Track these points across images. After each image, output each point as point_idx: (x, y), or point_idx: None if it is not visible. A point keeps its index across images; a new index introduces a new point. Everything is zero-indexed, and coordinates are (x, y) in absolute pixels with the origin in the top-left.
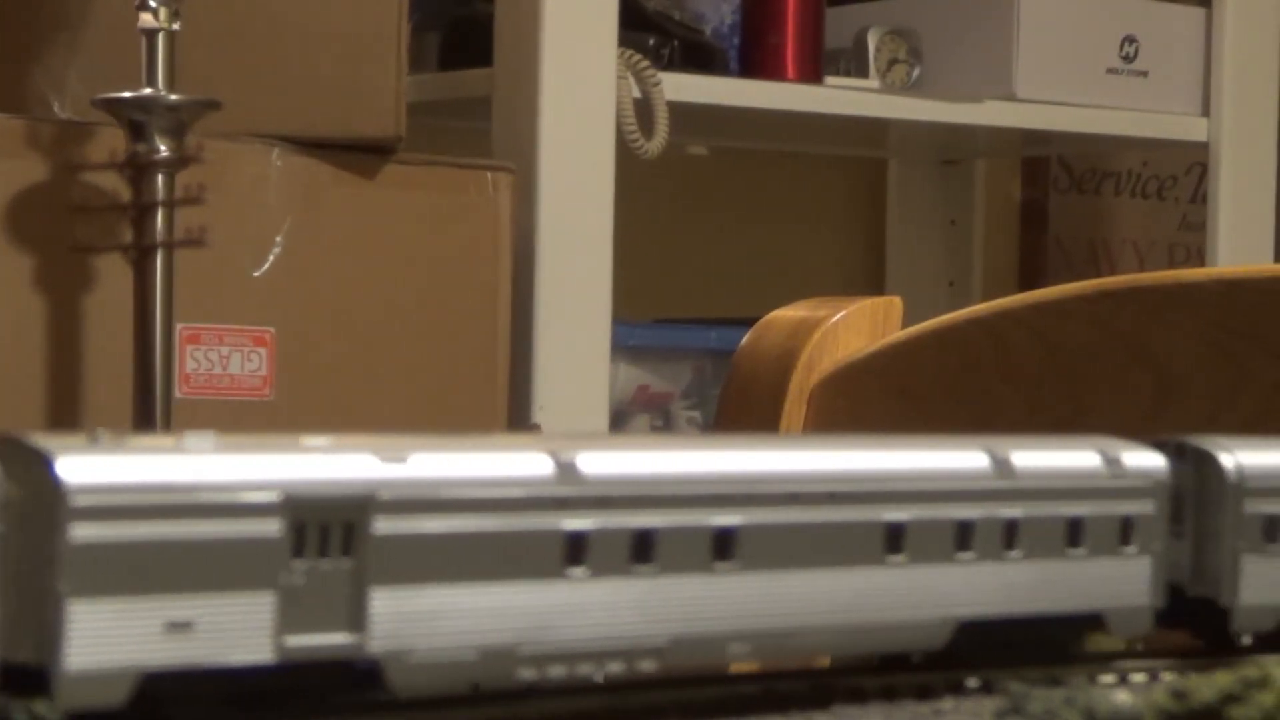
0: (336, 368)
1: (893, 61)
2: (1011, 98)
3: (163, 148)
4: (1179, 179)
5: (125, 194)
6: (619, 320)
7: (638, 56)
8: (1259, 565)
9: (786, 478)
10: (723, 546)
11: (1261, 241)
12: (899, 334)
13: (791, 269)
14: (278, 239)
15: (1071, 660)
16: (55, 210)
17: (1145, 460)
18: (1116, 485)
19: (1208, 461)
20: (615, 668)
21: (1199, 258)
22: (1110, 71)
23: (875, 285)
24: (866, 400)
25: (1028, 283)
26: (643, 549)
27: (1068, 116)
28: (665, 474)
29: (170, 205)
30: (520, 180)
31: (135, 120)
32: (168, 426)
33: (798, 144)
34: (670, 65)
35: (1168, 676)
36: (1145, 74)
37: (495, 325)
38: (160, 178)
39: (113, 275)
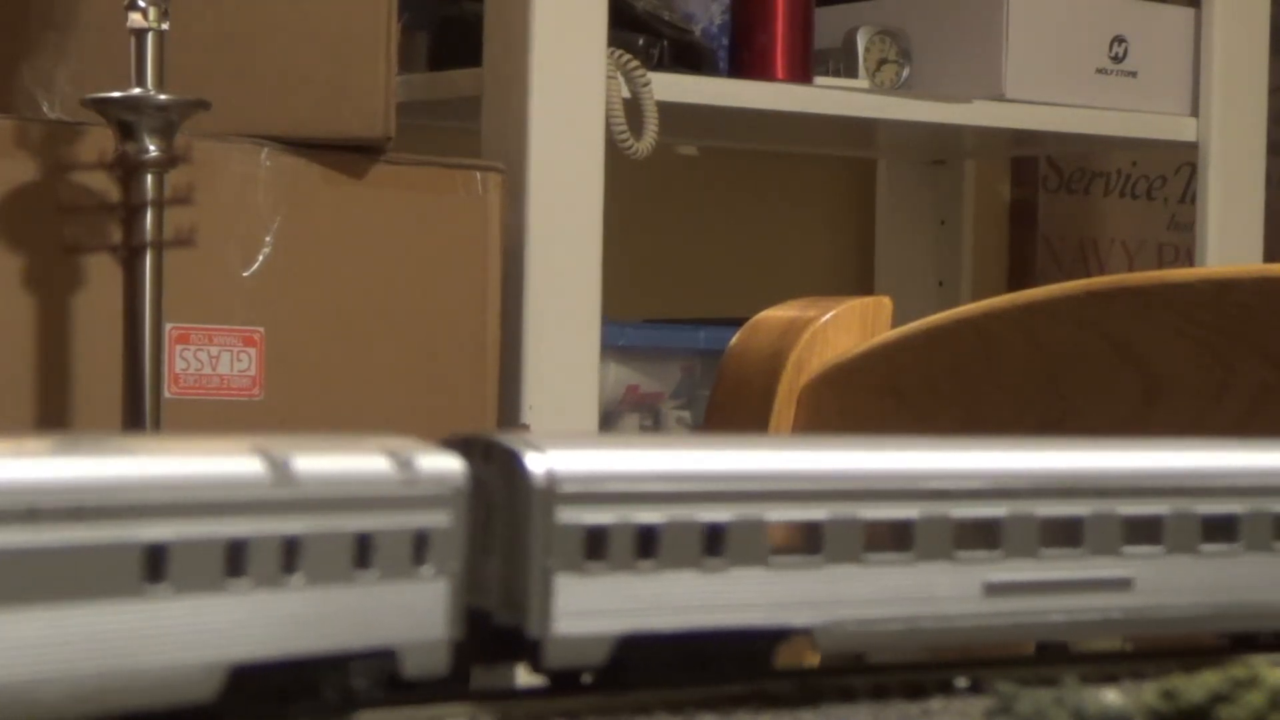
0: (326, 368)
1: (882, 61)
2: (1001, 98)
3: (152, 148)
4: (1168, 179)
5: (114, 194)
6: (608, 320)
7: (627, 56)
8: (578, 588)
9: (16, 488)
10: None
11: (1250, 241)
12: (888, 334)
13: (781, 269)
14: (267, 239)
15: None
16: (44, 210)
17: (440, 463)
18: (408, 494)
19: (514, 463)
20: None
21: (1188, 258)
22: (1099, 71)
23: (865, 285)
24: (856, 400)
25: (1017, 283)
26: None
27: (1057, 116)
28: None
29: (159, 205)
30: (510, 180)
31: (124, 120)
32: (157, 427)
33: (787, 144)
34: (660, 65)
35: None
36: (1134, 74)
37: (485, 325)
38: (149, 178)
39: (102, 275)
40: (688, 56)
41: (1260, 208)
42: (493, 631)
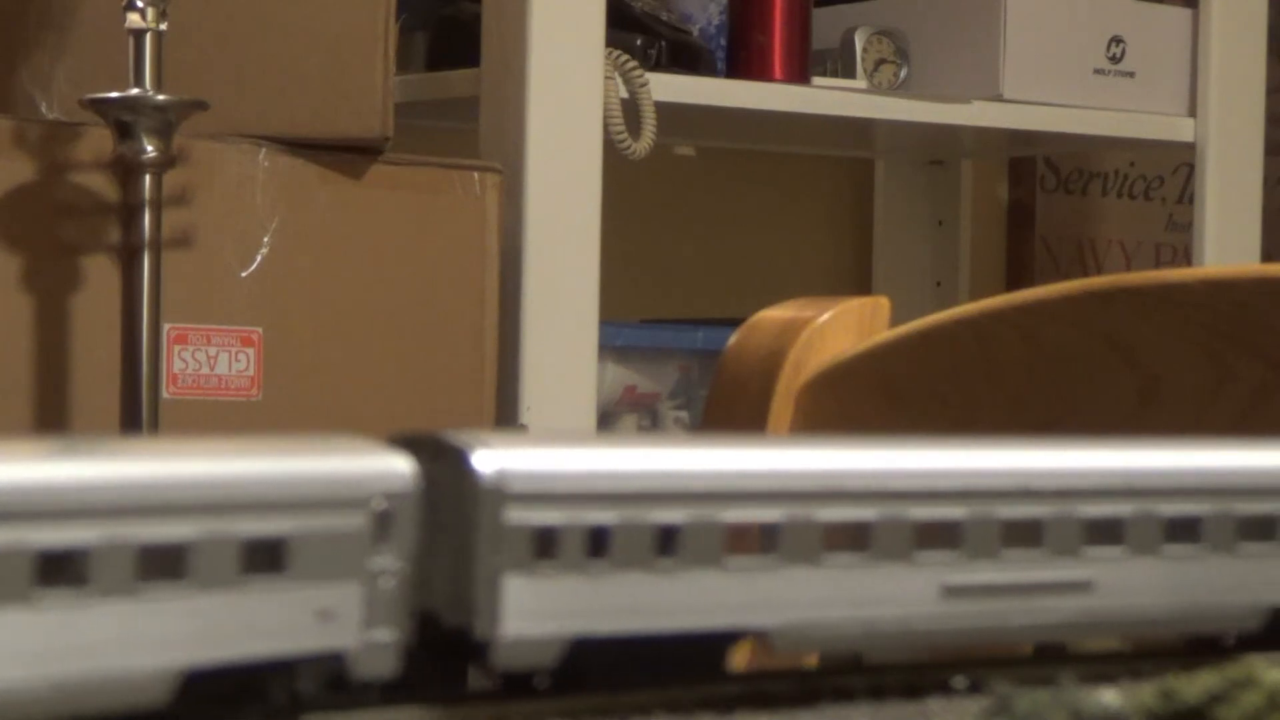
0: (324, 368)
1: (880, 62)
2: (998, 98)
3: (150, 148)
4: (1166, 179)
5: (112, 194)
6: (606, 320)
7: (625, 57)
8: None
9: None
10: None
11: (1248, 242)
12: (886, 334)
13: (778, 269)
14: (265, 239)
15: None
16: (42, 211)
17: None
18: None
19: None
20: None
21: (1186, 258)
22: (1097, 72)
23: (862, 286)
24: (854, 401)
25: (1014, 283)
26: None
27: (1054, 117)
28: None
29: (157, 205)
30: (507, 181)
31: (122, 120)
32: (155, 428)
33: (785, 144)
34: (657, 65)
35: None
36: (1132, 74)
37: (482, 326)
38: (147, 178)
39: (100, 276)
40: (685, 57)
41: (1258, 208)
42: None
